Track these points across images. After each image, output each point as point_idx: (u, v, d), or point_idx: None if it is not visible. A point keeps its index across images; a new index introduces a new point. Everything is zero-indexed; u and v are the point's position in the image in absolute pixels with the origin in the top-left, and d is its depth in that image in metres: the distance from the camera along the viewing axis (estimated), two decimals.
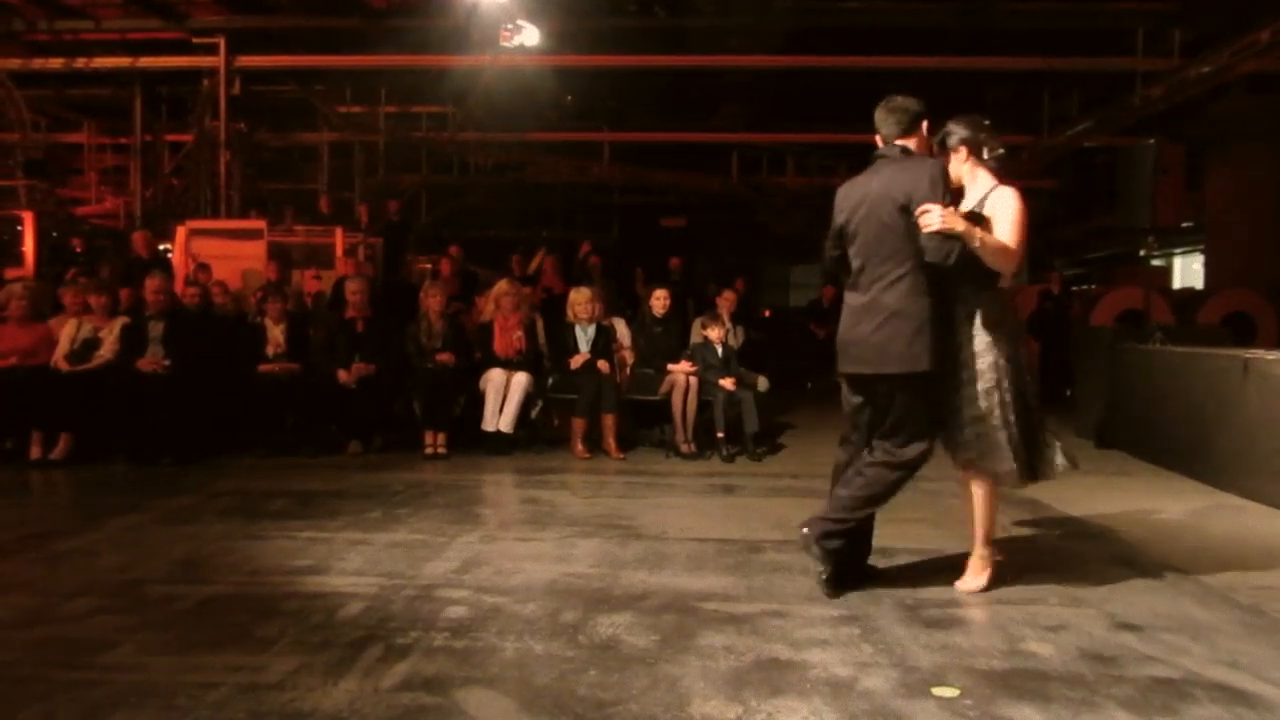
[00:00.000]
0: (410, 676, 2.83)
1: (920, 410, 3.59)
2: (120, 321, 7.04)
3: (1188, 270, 18.98)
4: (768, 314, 16.30)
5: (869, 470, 3.64)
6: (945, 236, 3.38)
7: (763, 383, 7.52)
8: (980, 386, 3.56)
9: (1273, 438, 5.46)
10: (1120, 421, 7.40)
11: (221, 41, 11.65)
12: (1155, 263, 19.20)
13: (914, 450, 3.60)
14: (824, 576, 3.65)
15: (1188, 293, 13.77)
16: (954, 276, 3.52)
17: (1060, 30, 10.51)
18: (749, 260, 20.51)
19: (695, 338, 7.86)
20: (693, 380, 7.11)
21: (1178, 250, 19.04)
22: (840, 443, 3.86)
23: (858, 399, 3.76)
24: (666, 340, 7.63)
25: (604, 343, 7.42)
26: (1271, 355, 5.82)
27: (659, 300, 7.72)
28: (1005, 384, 3.56)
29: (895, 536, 4.60)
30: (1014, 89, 13.69)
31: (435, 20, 10.76)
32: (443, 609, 3.45)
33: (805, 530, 3.66)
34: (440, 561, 4.09)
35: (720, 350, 7.40)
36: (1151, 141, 16.46)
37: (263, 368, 7.06)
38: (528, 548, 4.39)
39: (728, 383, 7.10)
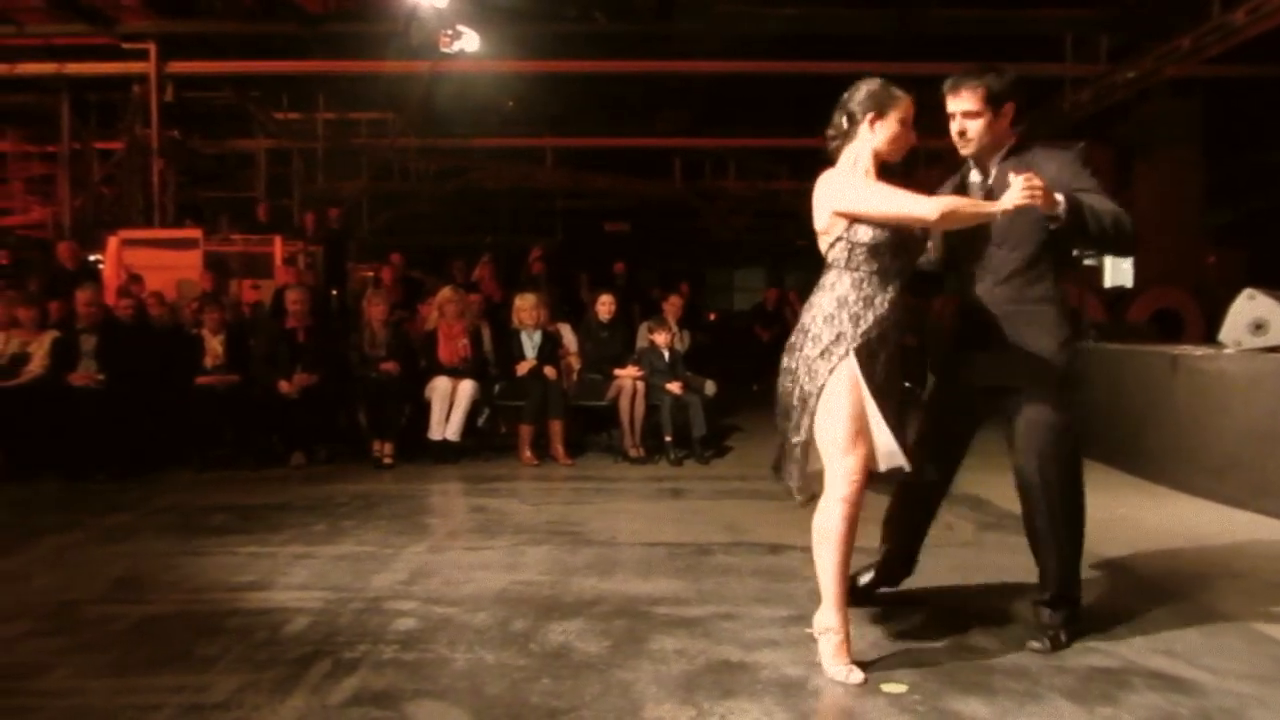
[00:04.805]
0: (360, 691, 2.79)
1: None
2: (50, 335, 6.86)
3: (1118, 269, 19.51)
4: (713, 317, 16.39)
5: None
6: None
7: (710, 386, 7.55)
8: None
9: (1200, 431, 5.64)
10: None
11: (152, 47, 11.36)
12: (1088, 262, 19.71)
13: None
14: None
15: (1118, 291, 14.14)
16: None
17: (992, 36, 10.75)
18: (693, 264, 20.59)
19: (642, 342, 7.88)
20: (639, 385, 7.13)
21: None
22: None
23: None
24: (612, 345, 7.65)
25: (550, 348, 7.40)
26: (1199, 351, 6.01)
27: (604, 305, 7.74)
28: None
29: None
30: None
31: (373, 25, 10.64)
32: (391, 621, 3.40)
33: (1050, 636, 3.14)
34: (388, 573, 4.04)
35: (667, 354, 7.44)
36: (1082, 145, 16.90)
37: (201, 380, 6.91)
38: (477, 557, 4.36)
39: (675, 387, 7.13)
